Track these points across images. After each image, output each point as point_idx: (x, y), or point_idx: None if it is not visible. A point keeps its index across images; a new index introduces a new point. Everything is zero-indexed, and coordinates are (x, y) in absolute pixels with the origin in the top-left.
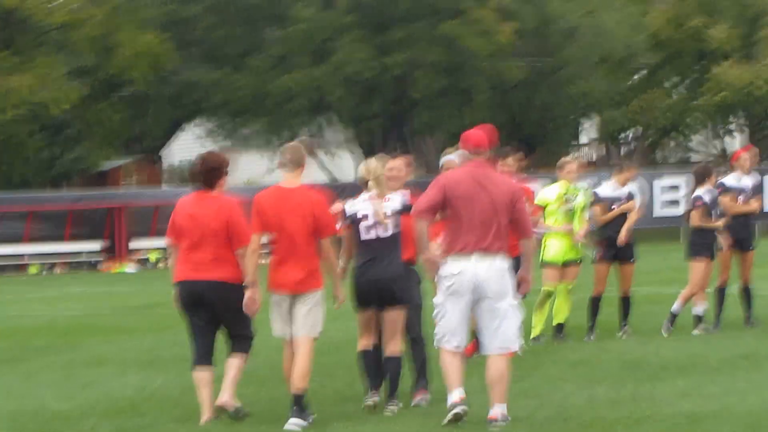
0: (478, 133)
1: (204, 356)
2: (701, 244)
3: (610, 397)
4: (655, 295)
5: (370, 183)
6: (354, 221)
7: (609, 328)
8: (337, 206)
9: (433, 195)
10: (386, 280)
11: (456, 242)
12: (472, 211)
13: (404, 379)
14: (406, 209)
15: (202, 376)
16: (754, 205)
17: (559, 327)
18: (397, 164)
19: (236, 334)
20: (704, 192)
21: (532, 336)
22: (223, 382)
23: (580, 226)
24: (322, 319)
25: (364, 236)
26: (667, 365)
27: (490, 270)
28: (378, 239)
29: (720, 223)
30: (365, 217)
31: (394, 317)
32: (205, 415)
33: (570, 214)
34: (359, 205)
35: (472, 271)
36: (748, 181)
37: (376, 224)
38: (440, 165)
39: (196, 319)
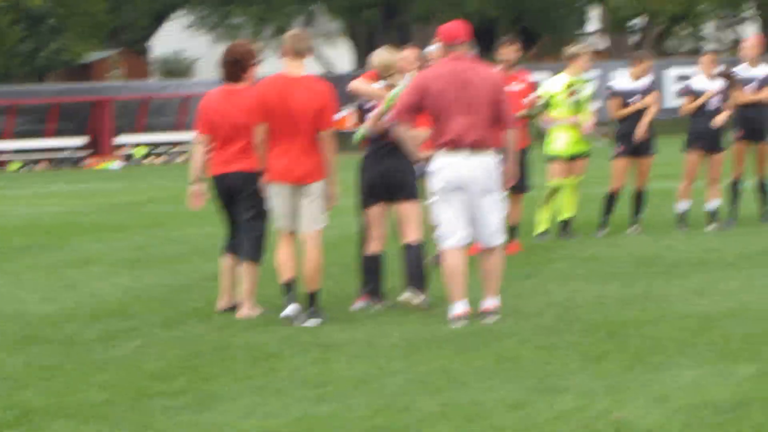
0: (454, 26)
1: (234, 246)
2: (691, 133)
3: (620, 295)
4: (666, 189)
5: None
6: (362, 110)
7: (619, 223)
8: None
9: (409, 97)
10: (395, 170)
11: (443, 138)
12: (455, 105)
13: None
14: None
15: (226, 263)
16: (764, 93)
17: (565, 223)
18: (408, 55)
19: (248, 228)
20: (695, 80)
21: (538, 231)
22: (243, 294)
23: (587, 118)
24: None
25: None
26: (680, 262)
27: (479, 166)
28: (386, 130)
29: (701, 100)
30: (374, 107)
31: (408, 208)
32: (222, 302)
33: (577, 106)
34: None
35: (461, 166)
36: (759, 71)
37: (385, 114)
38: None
39: (230, 211)
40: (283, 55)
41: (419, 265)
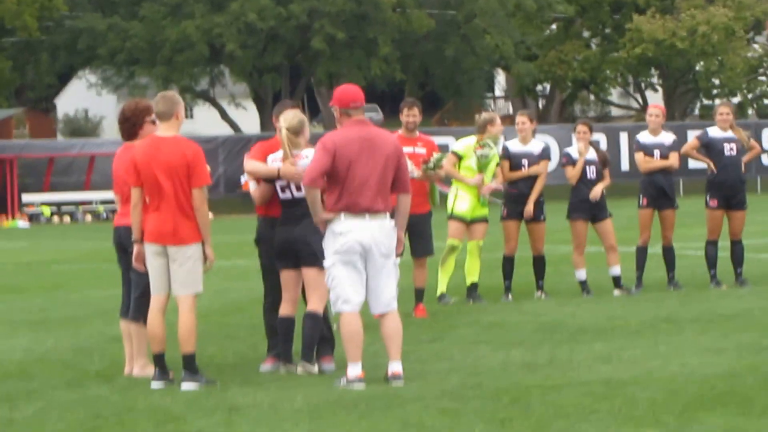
0: (353, 88)
1: (125, 307)
2: (573, 203)
3: (525, 360)
4: (571, 254)
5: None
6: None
7: (524, 289)
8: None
9: (322, 161)
10: (303, 237)
11: (348, 202)
12: (363, 170)
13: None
14: None
15: (122, 327)
16: (671, 161)
17: (473, 287)
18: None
19: (133, 286)
20: (572, 148)
21: (438, 293)
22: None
23: (490, 181)
24: (201, 274)
25: (281, 195)
26: (585, 328)
27: (381, 229)
28: (293, 198)
29: (577, 168)
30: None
31: (314, 275)
32: (127, 367)
33: (482, 163)
34: (275, 164)
35: (365, 229)
36: (663, 138)
37: (289, 183)
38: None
39: (122, 268)
40: (155, 117)
41: (314, 335)
